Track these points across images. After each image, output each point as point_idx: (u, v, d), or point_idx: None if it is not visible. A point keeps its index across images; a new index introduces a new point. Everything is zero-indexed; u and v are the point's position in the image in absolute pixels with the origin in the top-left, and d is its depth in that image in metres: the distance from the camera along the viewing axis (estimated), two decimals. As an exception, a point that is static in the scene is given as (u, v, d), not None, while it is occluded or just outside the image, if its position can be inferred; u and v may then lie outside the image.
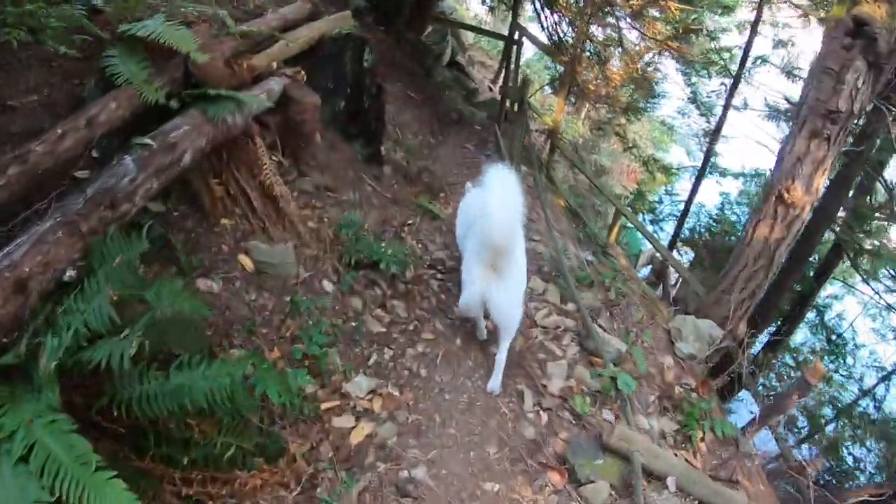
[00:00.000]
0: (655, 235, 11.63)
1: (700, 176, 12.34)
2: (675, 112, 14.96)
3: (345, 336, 4.17)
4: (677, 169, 14.50)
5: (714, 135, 12.18)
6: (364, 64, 5.81)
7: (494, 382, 4.09)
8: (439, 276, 5.33)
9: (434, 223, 6.06)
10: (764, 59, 12.91)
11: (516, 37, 10.68)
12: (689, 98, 14.27)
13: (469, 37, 16.69)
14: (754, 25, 11.61)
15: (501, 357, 4.02)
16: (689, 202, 12.49)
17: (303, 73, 5.00)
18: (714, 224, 14.00)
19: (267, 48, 4.95)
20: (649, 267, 17.38)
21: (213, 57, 3.84)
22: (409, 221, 5.91)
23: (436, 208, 6.28)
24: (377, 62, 6.09)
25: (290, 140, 4.86)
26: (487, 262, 3.65)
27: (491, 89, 15.89)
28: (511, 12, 12.09)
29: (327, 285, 4.43)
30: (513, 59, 11.04)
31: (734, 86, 11.88)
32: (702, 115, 14.29)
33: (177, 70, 3.88)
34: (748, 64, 12.12)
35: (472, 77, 15.08)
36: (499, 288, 3.71)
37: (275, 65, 4.90)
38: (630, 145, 14.82)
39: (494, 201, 3.39)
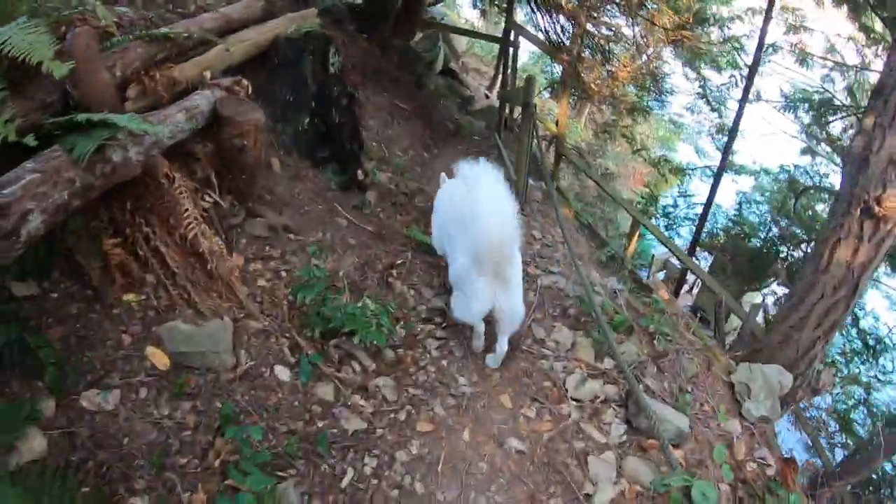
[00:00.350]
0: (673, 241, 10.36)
1: (718, 175, 11.05)
2: (683, 109, 13.69)
3: (306, 448, 2.88)
4: (691, 169, 13.19)
5: (732, 130, 10.88)
6: (330, 69, 4.57)
7: (496, 362, 3.71)
8: (439, 333, 4.03)
9: (431, 259, 4.79)
10: (776, 47, 11.67)
11: (512, 37, 9.47)
12: (697, 93, 13.01)
13: (462, 43, 15.43)
14: (768, 9, 10.33)
15: (503, 345, 3.61)
16: (708, 204, 11.18)
17: (245, 82, 3.74)
18: (732, 226, 12.72)
19: (200, 55, 3.73)
20: (663, 273, 16.16)
21: (90, 69, 2.59)
22: (399, 261, 4.60)
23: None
24: (347, 67, 4.86)
25: (230, 172, 3.60)
26: (489, 271, 3.25)
27: (487, 96, 14.63)
28: (506, 12, 10.85)
29: (282, 373, 3.15)
30: (509, 62, 9.80)
31: (750, 76, 10.60)
32: (713, 110, 13.01)
33: (49, 92, 2.65)
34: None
35: (466, 84, 13.83)
36: (506, 295, 3.37)
37: (208, 75, 3.65)
38: (638, 147, 13.58)
39: (485, 208, 3.05)
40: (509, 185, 3.32)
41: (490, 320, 3.58)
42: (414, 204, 5.64)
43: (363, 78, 7.86)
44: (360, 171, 5.05)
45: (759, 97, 12.46)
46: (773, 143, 13.16)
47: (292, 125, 4.45)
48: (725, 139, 12.95)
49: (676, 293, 11.96)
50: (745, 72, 11.87)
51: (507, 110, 9.50)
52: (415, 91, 9.11)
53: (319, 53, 4.44)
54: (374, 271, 4.32)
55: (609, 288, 5.27)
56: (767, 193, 12.52)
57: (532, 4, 10.54)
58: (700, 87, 12.84)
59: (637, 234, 10.01)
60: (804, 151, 12.38)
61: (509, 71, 9.89)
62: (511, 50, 9.64)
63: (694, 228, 12.75)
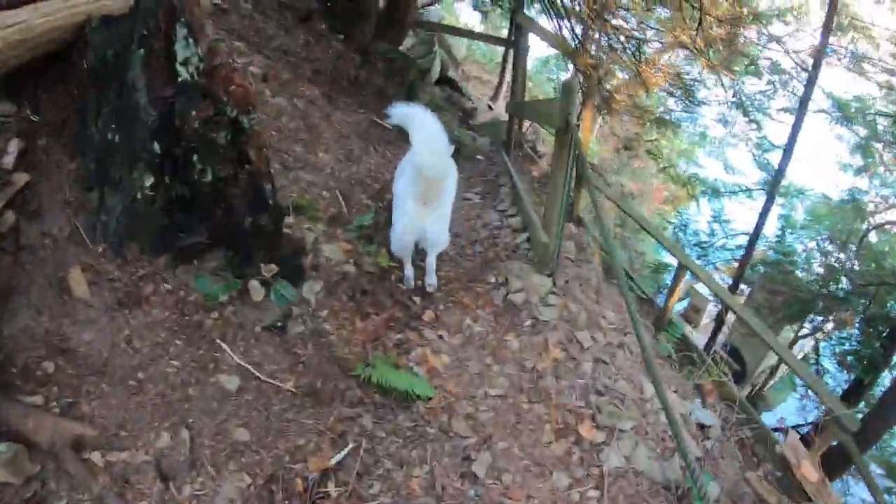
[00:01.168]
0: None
1: (770, 200, 8.74)
2: (714, 120, 11.37)
3: None
4: (731, 192, 10.86)
5: (788, 147, 8.53)
6: (181, 74, 2.26)
7: (433, 278, 3.68)
8: None
9: (408, 426, 2.50)
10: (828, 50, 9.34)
11: (513, 38, 7.23)
12: (732, 102, 10.68)
13: (461, 48, 13.12)
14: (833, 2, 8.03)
15: (432, 259, 3.65)
16: (755, 235, 8.88)
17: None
18: (775, 255, 10.42)
19: None
20: (686, 301, 13.88)
21: None
22: (340, 455, 2.30)
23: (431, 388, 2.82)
24: (226, 67, 2.40)
25: None
26: (419, 197, 3.30)
27: (491, 108, 12.35)
28: (513, 9, 8.57)
29: None
30: (517, 68, 7.53)
31: (810, 83, 8.27)
32: (751, 121, 10.70)
33: None
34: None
35: (467, 95, 11.54)
36: (432, 218, 3.40)
37: None
38: (665, 165, 11.30)
39: (420, 138, 3.10)
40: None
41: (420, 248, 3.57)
42: (389, 291, 3.39)
43: (332, 87, 5.61)
44: (266, 268, 2.73)
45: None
46: (817, 158, 10.95)
47: (120, 194, 2.24)
48: (767, 154, 10.83)
49: (715, 333, 9.69)
50: (787, 77, 9.73)
51: (516, 125, 7.26)
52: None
53: (159, 44, 2.16)
54: (288, 496, 2.01)
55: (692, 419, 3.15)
56: (823, 221, 10.15)
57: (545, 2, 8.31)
58: (735, 94, 10.53)
59: (683, 279, 7.80)
60: (859, 171, 10.12)
61: (518, 78, 7.63)
62: (518, 53, 7.38)
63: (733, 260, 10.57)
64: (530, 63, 16.06)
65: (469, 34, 10.22)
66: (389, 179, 4.72)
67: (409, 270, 3.62)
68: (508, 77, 13.58)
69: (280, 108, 3.95)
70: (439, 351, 3.16)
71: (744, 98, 10.39)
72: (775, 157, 10.93)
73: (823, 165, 11.32)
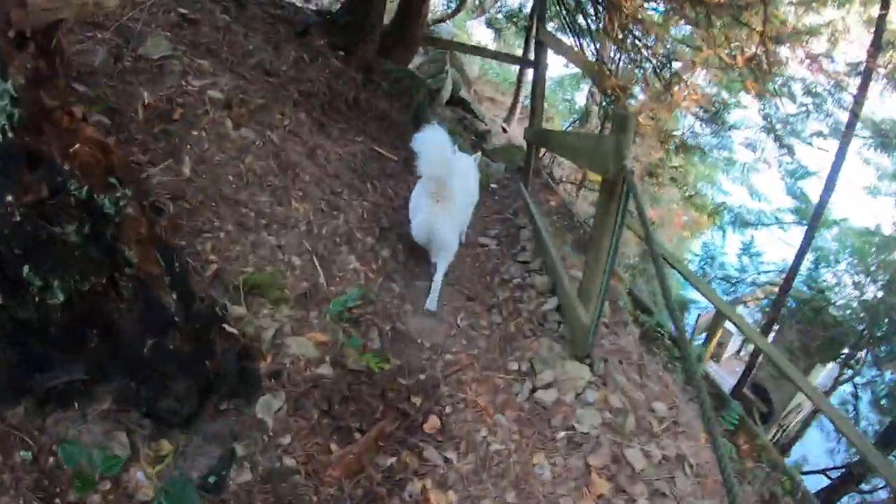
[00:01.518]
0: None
1: (810, 232, 7.77)
2: (741, 144, 10.39)
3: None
4: (765, 225, 9.89)
5: (830, 177, 7.56)
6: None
7: (432, 301, 3.60)
8: None
9: None
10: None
11: (533, 56, 6.38)
12: (763, 126, 9.74)
13: (474, 67, 12.26)
14: (881, 18, 7.11)
15: (439, 277, 3.73)
16: (793, 272, 7.91)
17: None
18: (808, 291, 9.43)
19: None
20: (704, 335, 12.86)
21: None
22: None
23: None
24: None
25: None
26: (431, 192, 3.64)
27: (505, 130, 11.48)
28: (535, 24, 7.70)
29: None
30: (536, 89, 6.66)
31: (856, 108, 7.33)
32: (783, 146, 9.74)
33: None
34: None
35: (480, 116, 10.68)
36: (441, 213, 3.66)
37: None
38: (691, 193, 10.36)
39: (427, 145, 3.51)
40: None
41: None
42: (381, 391, 2.49)
43: (325, 111, 4.77)
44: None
45: (834, 130, 9.30)
46: (853, 187, 9.97)
47: None
48: (801, 182, 9.87)
49: (745, 376, 8.73)
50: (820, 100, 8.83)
51: (535, 154, 6.39)
52: (411, 130, 5.99)
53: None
54: None
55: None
56: (859, 253, 9.15)
57: (566, 16, 7.44)
58: (766, 117, 9.59)
59: (720, 329, 6.91)
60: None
61: (537, 100, 6.75)
62: (539, 72, 6.51)
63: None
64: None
65: (483, 52, 9.36)
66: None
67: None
68: (523, 97, 12.76)
69: (245, 143, 3.06)
70: (444, 483, 2.26)
71: (775, 122, 9.47)
72: (809, 185, 10.06)
73: (850, 190, 10.29)
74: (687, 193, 10.11)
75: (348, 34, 6.20)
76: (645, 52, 6.76)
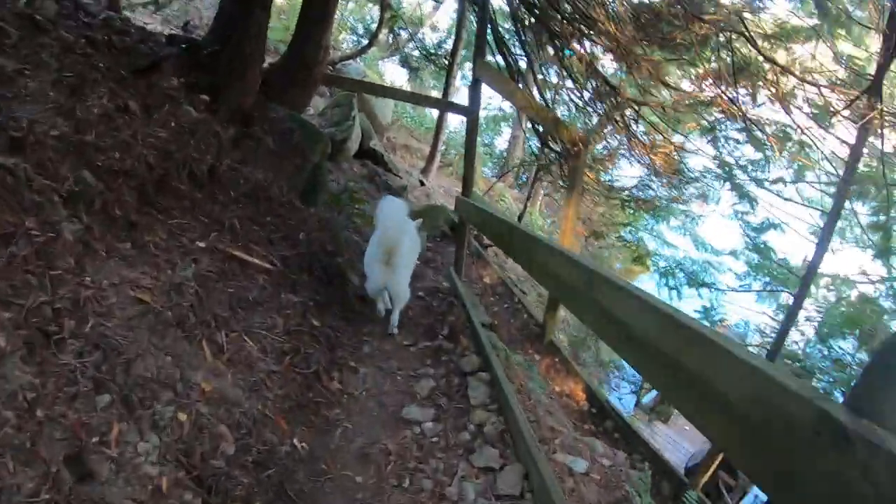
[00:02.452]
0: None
1: (798, 302, 6.46)
2: (693, 196, 9.15)
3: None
4: (733, 290, 8.59)
5: (824, 235, 6.27)
6: None
7: (393, 327, 4.05)
8: None
9: None
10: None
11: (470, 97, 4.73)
12: (720, 175, 8.52)
13: (387, 112, 10.55)
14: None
15: (396, 315, 4.08)
16: (777, 345, 6.57)
17: None
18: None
19: None
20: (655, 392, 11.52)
21: None
22: None
23: None
24: None
25: None
26: (383, 259, 3.82)
27: (423, 183, 9.82)
28: (455, 59, 6.08)
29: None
30: (470, 141, 4.98)
31: (853, 159, 6.10)
32: (741, 197, 8.56)
33: None
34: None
35: (394, 169, 8.95)
36: (393, 275, 3.89)
37: None
38: (641, 253, 9.02)
39: (384, 216, 3.95)
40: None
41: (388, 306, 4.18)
42: None
43: (146, 201, 2.88)
44: None
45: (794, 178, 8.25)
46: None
47: None
48: (759, 237, 8.70)
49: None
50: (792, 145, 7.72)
51: (469, 233, 4.80)
52: (297, 210, 4.13)
53: None
54: None
55: None
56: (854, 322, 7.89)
57: (507, 52, 5.88)
58: (719, 165, 8.40)
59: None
60: (879, 255, 8.12)
61: (470, 155, 5.08)
62: (473, 118, 4.87)
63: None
64: (456, 125, 13.74)
65: (400, 95, 7.72)
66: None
67: (380, 304, 4.21)
68: (441, 145, 11.21)
69: None
70: None
71: (733, 169, 8.29)
72: (774, 238, 8.94)
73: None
74: (636, 254, 8.78)
75: (216, 71, 4.36)
76: (610, 98, 5.28)
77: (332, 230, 4.39)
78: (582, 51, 4.85)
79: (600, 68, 5.32)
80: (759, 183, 8.28)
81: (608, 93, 5.21)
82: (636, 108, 5.46)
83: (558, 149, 6.47)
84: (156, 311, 2.25)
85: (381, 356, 3.48)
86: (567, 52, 5.44)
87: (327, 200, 5.52)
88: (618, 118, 5.85)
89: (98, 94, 3.25)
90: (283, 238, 3.54)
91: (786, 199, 7.75)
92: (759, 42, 5.73)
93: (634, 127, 6.00)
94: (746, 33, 4.91)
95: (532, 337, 5.97)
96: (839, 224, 8.18)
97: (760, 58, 5.78)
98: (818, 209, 8.27)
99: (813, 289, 8.00)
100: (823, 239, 6.49)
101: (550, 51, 5.50)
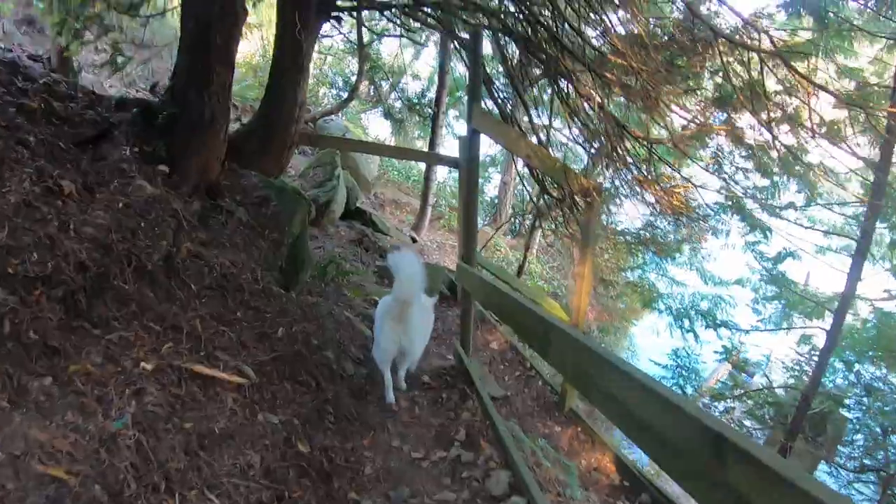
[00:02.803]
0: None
1: (831, 341, 5.84)
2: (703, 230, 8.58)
3: None
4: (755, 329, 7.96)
5: (853, 271, 5.71)
6: None
7: (401, 382, 3.96)
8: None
9: None
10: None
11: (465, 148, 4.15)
12: (724, 204, 7.95)
13: (372, 167, 9.99)
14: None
15: (402, 374, 3.96)
16: (812, 387, 5.89)
17: None
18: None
19: None
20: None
21: None
22: None
23: None
24: None
25: None
26: (396, 316, 3.66)
27: (414, 240, 9.21)
28: (440, 109, 5.53)
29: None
30: (467, 193, 4.39)
31: (881, 173, 5.56)
32: (752, 228, 7.99)
33: None
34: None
35: (383, 228, 8.33)
36: (406, 335, 3.72)
37: None
38: (653, 298, 8.39)
39: (400, 272, 3.59)
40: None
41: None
42: None
43: (77, 313, 2.20)
44: None
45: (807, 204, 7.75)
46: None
47: None
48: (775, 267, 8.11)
49: None
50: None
51: (473, 304, 4.25)
52: (275, 297, 3.46)
53: None
54: None
55: None
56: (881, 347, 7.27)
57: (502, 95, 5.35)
58: (726, 196, 7.85)
59: None
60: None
61: (470, 213, 4.46)
62: (468, 174, 4.27)
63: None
64: (445, 175, 13.25)
65: (387, 151, 7.12)
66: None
67: (388, 380, 3.79)
68: (432, 198, 10.65)
69: None
70: None
71: (742, 199, 7.76)
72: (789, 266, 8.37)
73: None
74: (647, 301, 8.16)
75: (174, 137, 3.76)
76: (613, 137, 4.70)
77: (318, 318, 3.72)
78: (589, 90, 4.30)
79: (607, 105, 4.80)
80: (770, 211, 7.77)
81: (615, 132, 4.66)
82: (647, 144, 4.90)
83: (556, 195, 5.90)
84: (74, 492, 1.57)
85: (388, 478, 2.77)
86: (562, 93, 4.94)
87: (313, 274, 4.87)
88: (617, 156, 5.30)
89: (20, 176, 2.62)
90: (259, 338, 2.87)
91: (806, 228, 7.24)
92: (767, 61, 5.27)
93: (638, 165, 5.47)
94: (766, 49, 4.42)
95: (549, 406, 5.34)
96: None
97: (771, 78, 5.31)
98: (839, 235, 7.77)
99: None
100: (855, 265, 5.97)
101: (546, 90, 4.98)
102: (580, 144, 5.96)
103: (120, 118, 3.93)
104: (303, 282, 4.43)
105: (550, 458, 3.68)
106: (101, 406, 1.87)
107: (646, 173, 5.44)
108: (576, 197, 5.15)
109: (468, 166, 4.13)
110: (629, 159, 5.01)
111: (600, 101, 4.25)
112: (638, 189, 5.51)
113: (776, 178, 7.50)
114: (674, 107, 4.72)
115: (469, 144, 4.05)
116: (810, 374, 6.83)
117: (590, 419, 5.42)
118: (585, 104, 4.44)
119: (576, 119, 4.68)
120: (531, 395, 5.47)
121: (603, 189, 4.50)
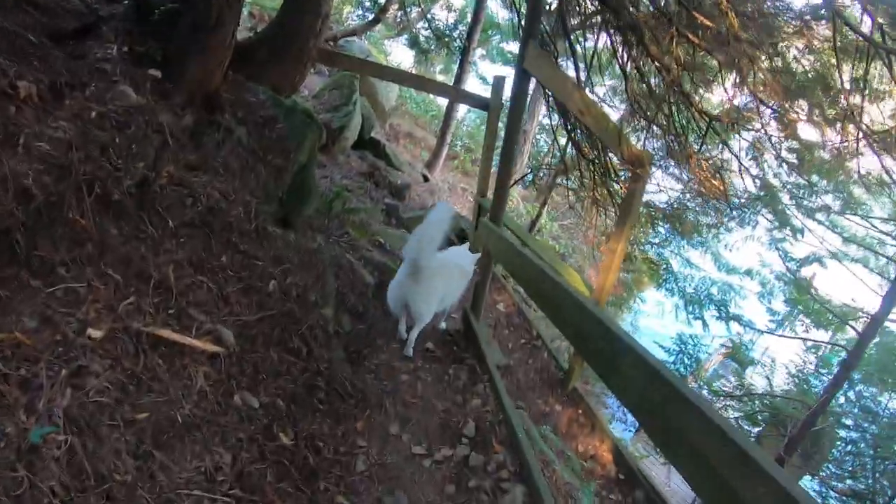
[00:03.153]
0: None
1: (858, 354, 5.43)
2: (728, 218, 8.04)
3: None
4: (770, 332, 7.55)
5: (892, 294, 5.25)
6: None
7: (409, 349, 3.72)
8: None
9: None
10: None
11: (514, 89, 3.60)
12: (758, 194, 7.42)
13: (390, 96, 9.24)
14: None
15: (414, 333, 3.74)
16: (823, 405, 5.54)
17: None
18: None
19: None
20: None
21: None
22: None
23: None
24: None
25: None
26: (407, 272, 3.57)
27: (426, 178, 8.62)
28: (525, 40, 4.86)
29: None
30: (510, 143, 3.86)
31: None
32: (781, 227, 7.48)
33: None
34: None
35: (396, 163, 7.74)
36: (414, 291, 3.61)
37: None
38: (668, 276, 7.93)
39: (416, 232, 3.52)
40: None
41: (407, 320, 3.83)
42: None
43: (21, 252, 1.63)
44: None
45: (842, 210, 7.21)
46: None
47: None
48: (799, 270, 7.64)
49: None
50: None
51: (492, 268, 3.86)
52: (270, 239, 2.92)
53: None
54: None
55: None
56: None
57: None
58: (763, 187, 7.31)
59: None
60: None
61: (503, 181, 3.92)
62: (512, 123, 3.70)
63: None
64: (465, 113, 12.53)
65: (416, 82, 6.39)
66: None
67: (402, 325, 3.85)
68: (450, 136, 9.96)
69: None
70: None
71: (779, 192, 7.22)
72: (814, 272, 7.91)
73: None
74: (663, 279, 7.70)
75: (171, 37, 3.15)
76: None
77: (319, 266, 3.20)
78: (660, 51, 3.68)
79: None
80: (806, 211, 7.24)
81: (680, 100, 4.07)
82: (707, 118, 4.31)
83: (593, 157, 5.36)
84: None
85: (383, 478, 2.33)
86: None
87: (317, 208, 4.34)
88: (672, 126, 4.72)
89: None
90: (244, 291, 2.36)
91: (845, 239, 6.72)
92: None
93: (681, 140, 4.91)
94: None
95: (553, 382, 5.01)
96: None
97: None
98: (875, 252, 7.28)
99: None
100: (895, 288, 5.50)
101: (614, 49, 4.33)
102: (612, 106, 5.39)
103: (111, 11, 3.31)
104: (305, 216, 3.91)
105: (554, 449, 3.34)
106: (25, 395, 1.38)
107: (696, 147, 4.88)
108: (615, 165, 4.60)
109: (512, 109, 3.57)
110: (678, 131, 4.44)
111: (681, 61, 3.62)
112: (683, 163, 4.96)
113: (816, 179, 6.97)
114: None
115: (517, 86, 3.48)
116: (821, 388, 6.50)
117: (592, 402, 5.07)
118: (655, 64, 3.82)
119: (637, 81, 4.07)
120: (535, 366, 5.11)
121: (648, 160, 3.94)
